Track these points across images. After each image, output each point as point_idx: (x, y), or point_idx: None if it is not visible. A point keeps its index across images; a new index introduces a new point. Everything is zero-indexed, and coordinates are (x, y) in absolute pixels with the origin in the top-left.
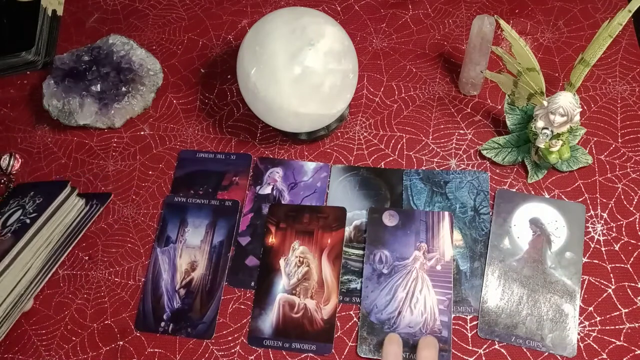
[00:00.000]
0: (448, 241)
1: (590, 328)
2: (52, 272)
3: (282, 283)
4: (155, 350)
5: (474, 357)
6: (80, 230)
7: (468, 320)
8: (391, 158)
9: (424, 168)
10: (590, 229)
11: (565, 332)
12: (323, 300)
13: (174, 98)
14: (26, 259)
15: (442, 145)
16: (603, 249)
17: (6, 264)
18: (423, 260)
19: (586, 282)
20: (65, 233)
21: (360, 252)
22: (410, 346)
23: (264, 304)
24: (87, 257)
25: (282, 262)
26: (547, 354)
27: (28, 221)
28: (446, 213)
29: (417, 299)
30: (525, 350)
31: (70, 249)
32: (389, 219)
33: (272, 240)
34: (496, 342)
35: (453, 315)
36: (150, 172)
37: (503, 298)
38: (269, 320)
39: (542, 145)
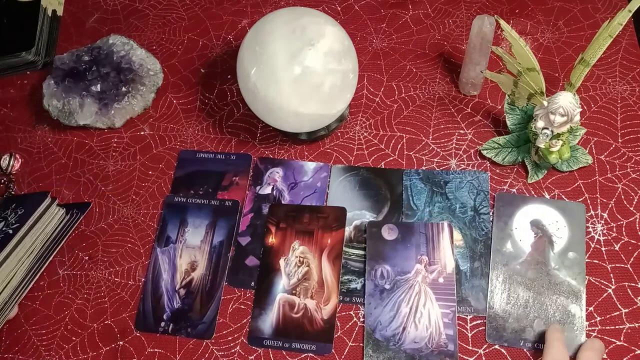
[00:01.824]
0: (449, 252)
1: (590, 328)
2: (36, 279)
3: (282, 283)
4: (155, 350)
5: (474, 357)
6: (62, 238)
7: (468, 320)
8: (391, 158)
9: (424, 168)
10: (590, 229)
11: (573, 332)
12: (323, 300)
13: (174, 98)
14: (10, 267)
15: (442, 145)
16: (603, 249)
17: None
18: (425, 274)
19: (586, 282)
20: (48, 241)
21: (361, 252)
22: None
23: (264, 304)
24: (87, 257)
25: (282, 262)
26: None
27: (11, 231)
28: (445, 223)
29: (421, 313)
30: (525, 350)
31: (52, 256)
32: (388, 233)
33: (272, 240)
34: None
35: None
36: (150, 172)
37: (509, 302)
38: (269, 320)
39: (542, 145)
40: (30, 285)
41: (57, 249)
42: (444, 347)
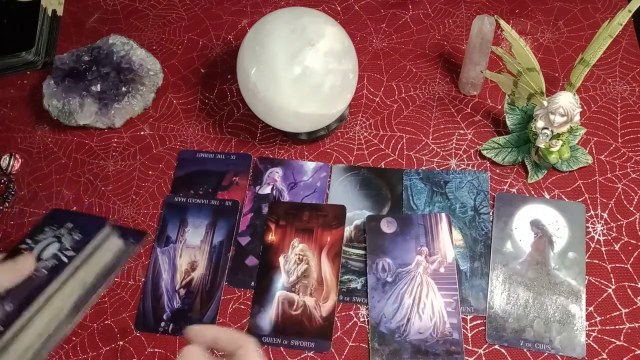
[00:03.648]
0: (448, 242)
1: (590, 328)
2: (80, 316)
3: (281, 280)
4: (155, 350)
5: (474, 357)
6: (114, 270)
7: (468, 320)
8: (391, 158)
9: (424, 168)
10: (590, 229)
11: (573, 332)
12: (322, 298)
13: (174, 98)
14: (58, 302)
15: (442, 145)
16: (603, 249)
17: (40, 305)
18: (426, 264)
19: (586, 282)
20: (99, 274)
21: (361, 252)
22: (423, 352)
23: (264, 302)
24: None
25: (281, 259)
26: (546, 354)
27: (65, 260)
28: (443, 215)
29: (425, 304)
30: (525, 350)
31: (101, 289)
32: (387, 226)
33: (271, 237)
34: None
35: None
36: (150, 172)
37: (509, 302)
38: (268, 318)
39: (542, 145)
40: (75, 321)
41: (109, 282)
42: (448, 335)
